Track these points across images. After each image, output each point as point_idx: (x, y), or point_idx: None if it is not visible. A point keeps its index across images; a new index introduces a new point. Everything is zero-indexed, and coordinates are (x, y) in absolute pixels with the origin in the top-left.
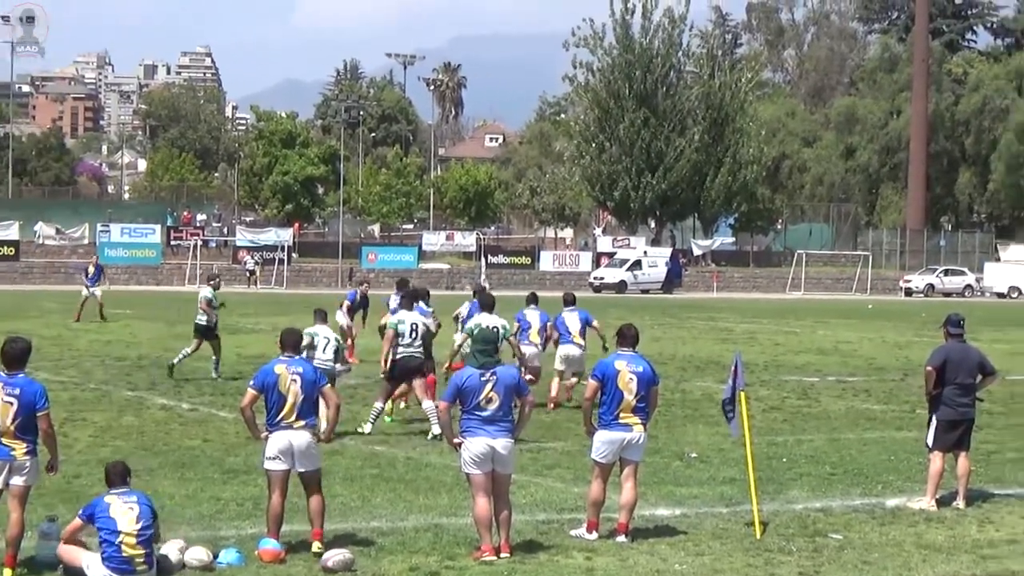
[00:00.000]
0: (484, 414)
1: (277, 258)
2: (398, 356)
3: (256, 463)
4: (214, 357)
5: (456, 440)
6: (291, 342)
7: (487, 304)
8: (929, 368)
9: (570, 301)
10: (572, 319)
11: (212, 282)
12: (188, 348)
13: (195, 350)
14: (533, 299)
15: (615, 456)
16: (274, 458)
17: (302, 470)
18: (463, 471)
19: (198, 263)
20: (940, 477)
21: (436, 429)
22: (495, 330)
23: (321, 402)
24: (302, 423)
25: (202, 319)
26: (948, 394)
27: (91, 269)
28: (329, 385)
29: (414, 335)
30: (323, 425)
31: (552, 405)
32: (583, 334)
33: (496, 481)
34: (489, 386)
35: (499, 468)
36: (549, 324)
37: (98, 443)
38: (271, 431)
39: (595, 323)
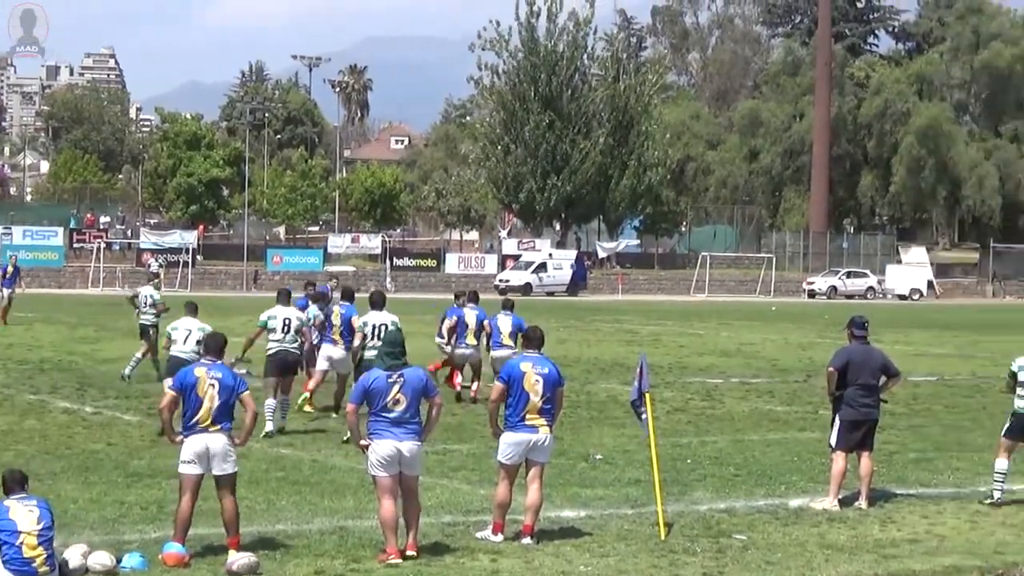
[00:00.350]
0: (391, 416)
1: (181, 260)
2: (271, 351)
3: (160, 467)
4: (139, 357)
5: (363, 442)
6: (214, 347)
7: (377, 302)
8: (831, 369)
9: (507, 306)
10: (504, 323)
11: (154, 281)
12: (139, 353)
13: (148, 350)
14: (474, 298)
15: (521, 458)
16: (189, 461)
17: (218, 473)
18: (369, 473)
19: (101, 266)
20: (843, 477)
21: (269, 426)
22: (400, 331)
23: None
24: (217, 427)
25: (148, 319)
26: (851, 395)
27: (10, 269)
28: (248, 392)
29: (286, 330)
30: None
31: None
32: (513, 337)
33: (404, 483)
34: (396, 388)
35: (406, 471)
36: (486, 322)
37: (0, 447)
38: (186, 435)
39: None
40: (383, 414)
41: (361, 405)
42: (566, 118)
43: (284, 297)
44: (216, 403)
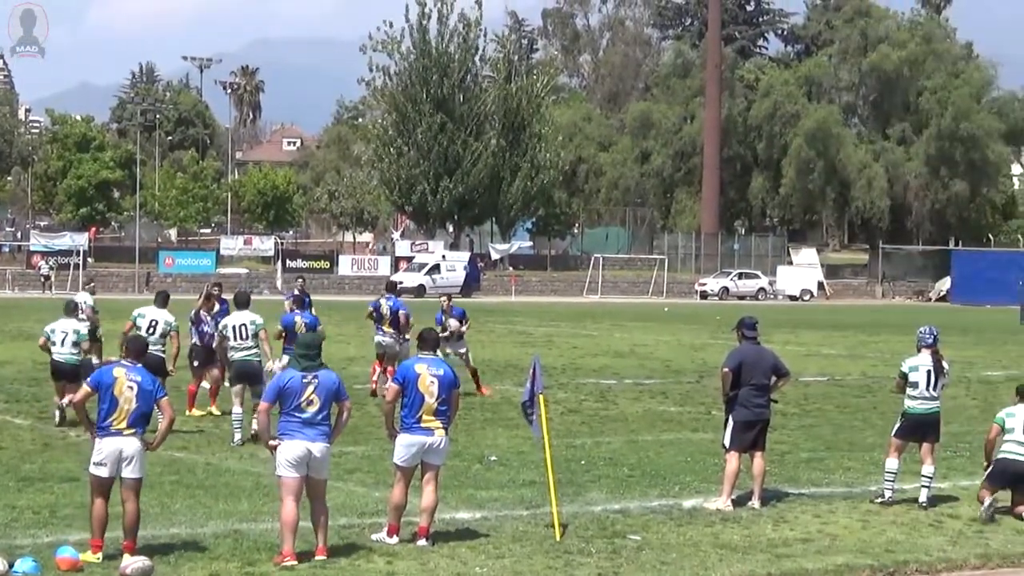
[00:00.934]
0: (304, 416)
1: (72, 263)
2: None
3: (52, 471)
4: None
5: (273, 442)
6: (135, 348)
7: (241, 302)
8: (726, 370)
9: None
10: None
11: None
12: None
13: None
14: (391, 288)
15: (416, 460)
16: (100, 463)
17: (130, 476)
18: (276, 473)
19: None
20: (736, 477)
21: (237, 436)
22: (314, 333)
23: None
24: (132, 431)
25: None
26: (744, 395)
27: None
28: (166, 397)
29: (151, 332)
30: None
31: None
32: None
33: (312, 485)
34: (311, 388)
35: (314, 473)
36: (401, 312)
37: None
38: (100, 436)
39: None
40: (295, 414)
41: (274, 404)
42: (458, 120)
43: (160, 299)
44: (133, 406)
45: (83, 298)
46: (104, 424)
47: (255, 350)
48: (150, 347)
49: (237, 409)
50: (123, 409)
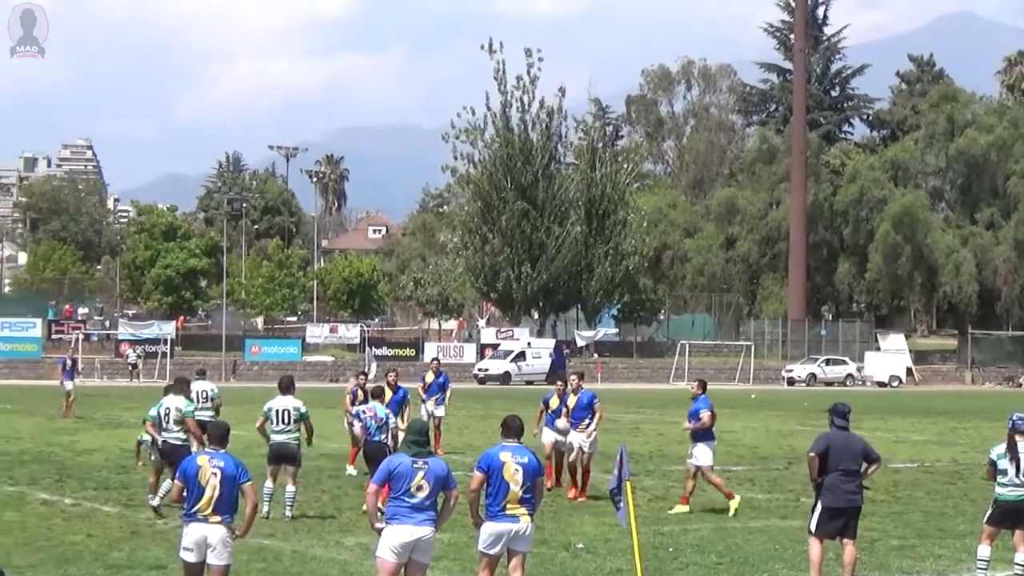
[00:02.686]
0: (413, 501)
1: (160, 351)
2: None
3: (139, 558)
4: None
5: (379, 525)
6: (216, 435)
7: (285, 387)
8: (812, 454)
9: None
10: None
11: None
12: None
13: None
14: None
15: (502, 547)
16: (189, 549)
17: (216, 563)
18: (376, 554)
19: (80, 357)
20: (821, 563)
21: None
22: (419, 420)
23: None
24: (218, 518)
25: (206, 414)
26: (833, 481)
27: (68, 363)
28: (250, 482)
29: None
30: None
31: None
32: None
33: (412, 569)
34: (421, 474)
35: (417, 556)
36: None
37: None
38: (187, 522)
39: None
40: (405, 498)
41: (383, 487)
42: (541, 207)
43: (179, 387)
44: (218, 492)
45: (206, 386)
46: (191, 511)
47: (296, 434)
48: (171, 435)
49: (269, 484)
50: (208, 497)
